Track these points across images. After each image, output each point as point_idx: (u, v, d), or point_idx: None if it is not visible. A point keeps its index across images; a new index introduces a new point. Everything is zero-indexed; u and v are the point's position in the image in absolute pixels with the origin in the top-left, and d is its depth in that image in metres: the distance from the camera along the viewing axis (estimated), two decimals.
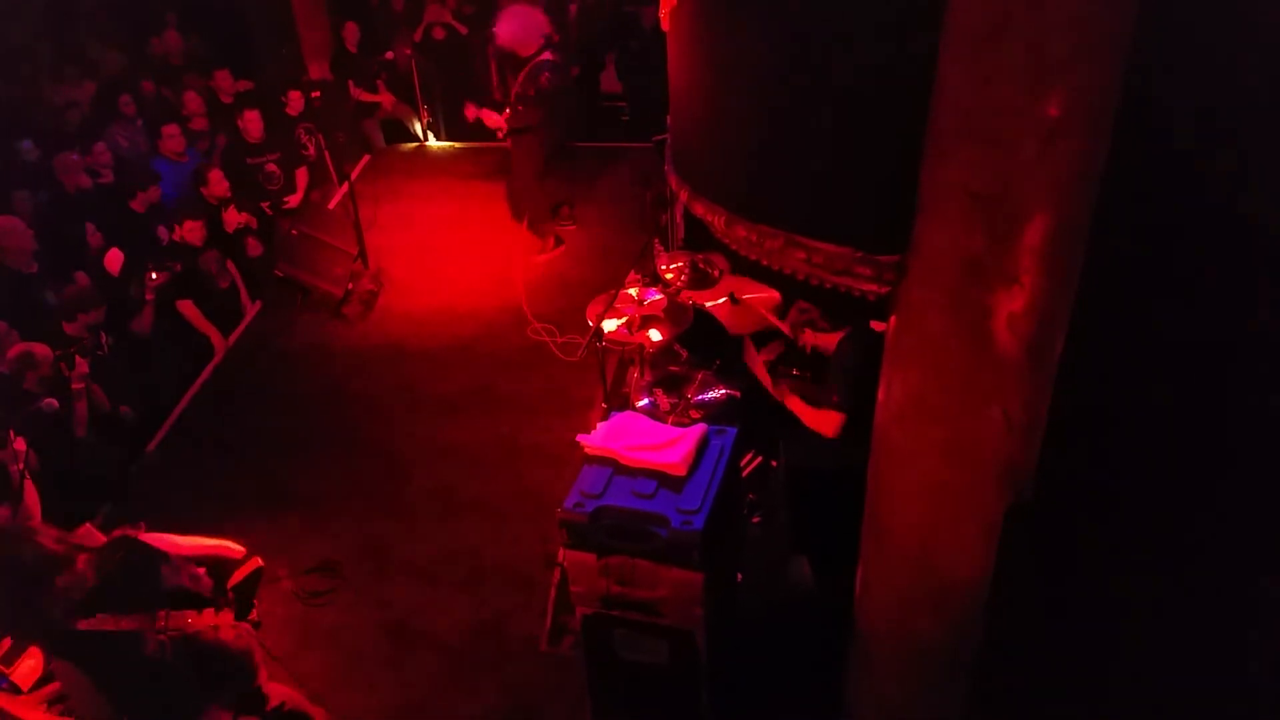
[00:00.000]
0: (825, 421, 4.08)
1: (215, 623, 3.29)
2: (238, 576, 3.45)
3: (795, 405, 4.29)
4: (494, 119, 7.66)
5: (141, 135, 7.90)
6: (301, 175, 8.00)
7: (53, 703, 3.33)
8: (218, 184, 7.11)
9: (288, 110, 8.00)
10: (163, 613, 3.14)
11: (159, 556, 3.23)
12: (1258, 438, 2.19)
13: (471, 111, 7.88)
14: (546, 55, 7.53)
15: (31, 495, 4.71)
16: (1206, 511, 2.27)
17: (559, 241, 7.87)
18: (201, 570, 3.36)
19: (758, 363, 4.69)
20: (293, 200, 7.88)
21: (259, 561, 3.52)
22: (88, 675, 3.10)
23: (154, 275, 6.22)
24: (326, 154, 8.37)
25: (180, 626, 3.17)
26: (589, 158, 9.12)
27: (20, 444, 4.62)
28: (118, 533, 3.28)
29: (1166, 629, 2.44)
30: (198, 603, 3.27)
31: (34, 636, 3.17)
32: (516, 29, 7.46)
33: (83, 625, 3.01)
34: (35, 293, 5.97)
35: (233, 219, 7.19)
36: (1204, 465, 2.22)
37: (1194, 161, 1.90)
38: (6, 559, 3.03)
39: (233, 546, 3.52)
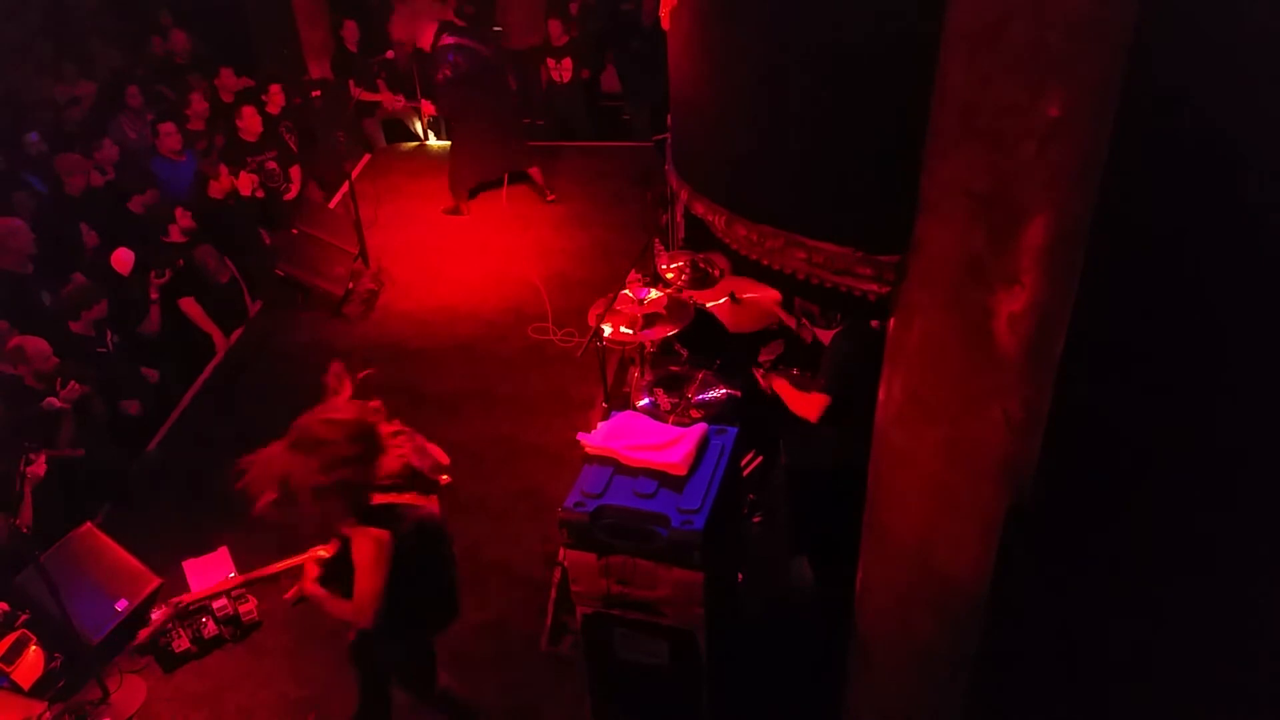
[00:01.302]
0: (809, 405, 4.08)
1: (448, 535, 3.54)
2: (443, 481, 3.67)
3: (781, 388, 4.28)
4: (430, 108, 8.69)
5: (149, 128, 7.90)
6: (295, 172, 8.04)
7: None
8: (225, 179, 7.14)
9: (268, 109, 8.02)
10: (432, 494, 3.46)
11: (425, 447, 3.59)
12: (1260, 438, 2.18)
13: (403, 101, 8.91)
14: (446, 40, 7.64)
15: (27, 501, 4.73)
16: (1208, 512, 2.26)
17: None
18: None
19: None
20: (289, 195, 7.92)
21: (449, 478, 3.74)
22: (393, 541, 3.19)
23: (157, 275, 6.24)
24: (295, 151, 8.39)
25: (435, 508, 3.46)
26: (589, 157, 9.12)
27: (40, 461, 4.65)
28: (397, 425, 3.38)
29: (1167, 630, 2.44)
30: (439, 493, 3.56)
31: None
32: (407, 24, 7.71)
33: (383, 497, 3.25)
34: (31, 293, 5.97)
35: (246, 182, 7.28)
36: (1206, 465, 2.22)
37: (1196, 160, 1.89)
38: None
39: (443, 454, 3.74)
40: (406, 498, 3.34)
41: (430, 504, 3.43)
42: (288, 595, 3.83)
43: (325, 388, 3.32)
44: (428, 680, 3.76)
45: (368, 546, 3.15)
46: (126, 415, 5.84)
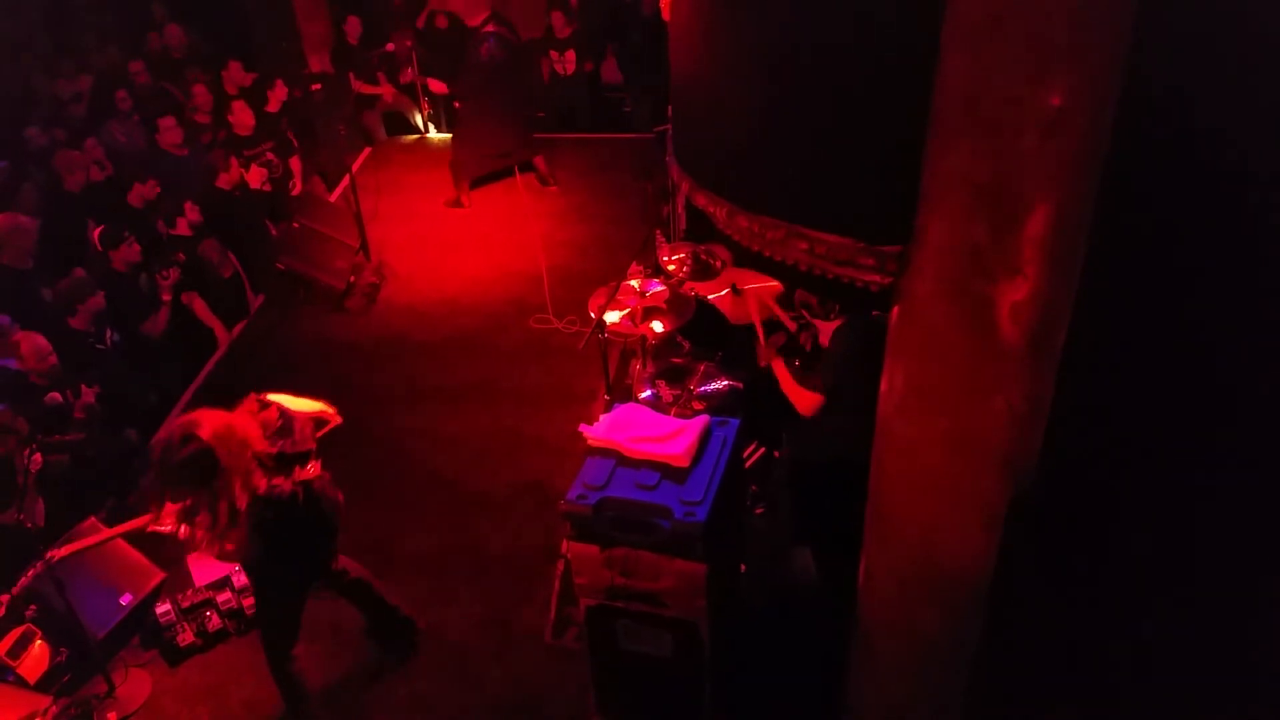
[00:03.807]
0: (803, 399, 4.09)
1: (318, 473, 3.75)
2: (322, 432, 3.89)
3: (779, 370, 4.27)
4: (438, 85, 8.64)
5: (139, 130, 7.91)
6: (295, 164, 8.04)
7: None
8: (234, 170, 7.14)
9: (268, 108, 8.05)
10: (295, 467, 3.63)
11: (294, 421, 3.71)
12: (1259, 429, 2.18)
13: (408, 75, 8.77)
14: (490, 28, 7.66)
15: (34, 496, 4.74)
16: (1208, 503, 2.27)
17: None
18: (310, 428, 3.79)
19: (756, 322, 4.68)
20: (295, 190, 7.94)
21: (339, 419, 3.97)
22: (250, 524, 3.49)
23: (166, 274, 6.23)
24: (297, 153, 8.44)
25: (304, 477, 3.66)
26: (591, 149, 9.10)
27: (37, 457, 4.66)
28: (253, 395, 3.70)
29: (1166, 621, 2.45)
30: (306, 457, 3.72)
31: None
32: None
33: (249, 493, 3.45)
34: (32, 288, 5.98)
35: (255, 175, 7.30)
36: (1205, 457, 2.22)
37: (1196, 151, 1.89)
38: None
39: (328, 409, 3.96)
40: (276, 483, 3.56)
41: (303, 473, 3.67)
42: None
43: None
44: (284, 630, 4.01)
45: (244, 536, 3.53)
46: (130, 411, 5.84)
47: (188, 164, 7.43)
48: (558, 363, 6.35)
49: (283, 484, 3.58)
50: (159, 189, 6.95)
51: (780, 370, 4.26)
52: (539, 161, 8.58)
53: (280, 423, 3.67)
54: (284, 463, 3.61)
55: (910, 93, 2.25)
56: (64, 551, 4.05)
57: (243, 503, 3.43)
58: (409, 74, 9.35)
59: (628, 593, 3.51)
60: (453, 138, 8.60)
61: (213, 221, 6.98)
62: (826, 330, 4.26)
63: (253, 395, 3.72)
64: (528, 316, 6.86)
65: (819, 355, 4.43)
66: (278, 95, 8.10)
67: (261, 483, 3.50)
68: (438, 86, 8.80)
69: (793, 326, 4.71)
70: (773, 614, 4.37)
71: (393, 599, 4.45)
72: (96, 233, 6.26)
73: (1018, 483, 2.41)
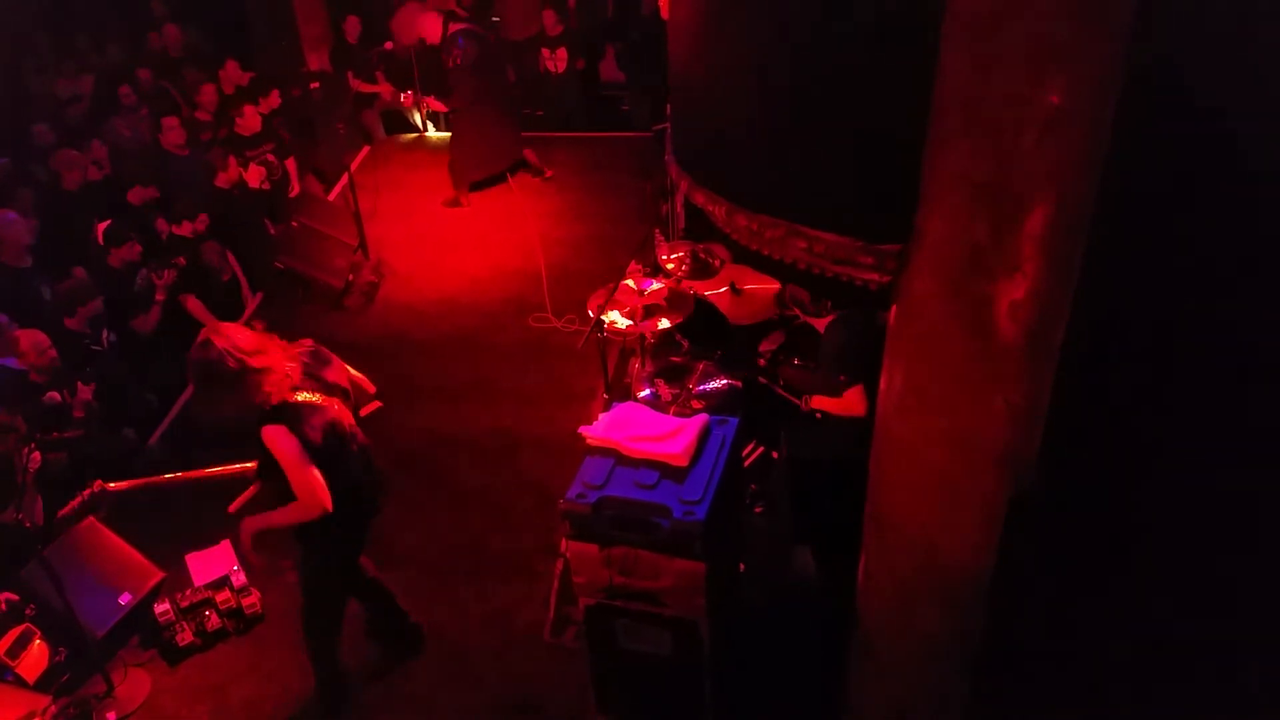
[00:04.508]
0: (851, 403, 4.07)
1: (362, 436, 3.75)
2: (366, 409, 3.89)
3: (821, 404, 4.26)
4: (437, 104, 8.53)
5: (145, 124, 7.89)
6: (291, 164, 8.05)
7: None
8: (233, 169, 7.14)
9: (261, 108, 8.04)
10: (336, 399, 3.63)
11: (335, 358, 3.75)
12: (1260, 428, 2.18)
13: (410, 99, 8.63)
14: (454, 26, 7.69)
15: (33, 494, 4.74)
16: (1209, 502, 2.26)
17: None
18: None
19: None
20: (293, 191, 7.93)
21: (380, 403, 4.01)
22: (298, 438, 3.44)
23: (161, 275, 6.22)
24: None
25: (348, 419, 3.67)
26: (589, 148, 9.10)
27: (36, 456, 4.66)
28: (307, 341, 3.73)
29: (1167, 622, 2.44)
30: (354, 410, 3.76)
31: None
32: (409, 25, 7.69)
33: (284, 397, 3.46)
34: (30, 287, 5.97)
35: (255, 174, 7.30)
36: (1207, 455, 2.22)
37: (1197, 149, 1.89)
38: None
39: (369, 383, 3.98)
40: (315, 400, 3.53)
41: (346, 414, 3.66)
42: (231, 507, 4.02)
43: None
44: (331, 616, 4.02)
45: (278, 438, 3.40)
46: (128, 411, 5.84)
47: (189, 164, 7.42)
48: (557, 362, 6.35)
49: (323, 402, 3.53)
50: (157, 193, 6.95)
51: (822, 403, 4.26)
52: (529, 155, 8.63)
53: (315, 346, 3.70)
54: (325, 387, 3.58)
55: (909, 91, 2.24)
56: (121, 486, 4.02)
57: (269, 395, 3.41)
58: (408, 98, 9.38)
59: (627, 592, 3.51)
60: (450, 142, 8.62)
61: (211, 221, 6.97)
62: (821, 326, 4.27)
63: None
64: (526, 315, 6.86)
65: (814, 352, 4.43)
66: (269, 103, 8.09)
67: (293, 382, 3.49)
68: (436, 105, 8.80)
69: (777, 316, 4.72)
70: (772, 613, 4.37)
71: (398, 603, 4.44)
72: (102, 227, 6.26)
73: (1017, 481, 2.40)
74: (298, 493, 3.44)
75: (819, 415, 4.32)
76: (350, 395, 3.73)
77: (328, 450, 3.50)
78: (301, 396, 3.49)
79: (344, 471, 3.59)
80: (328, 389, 3.60)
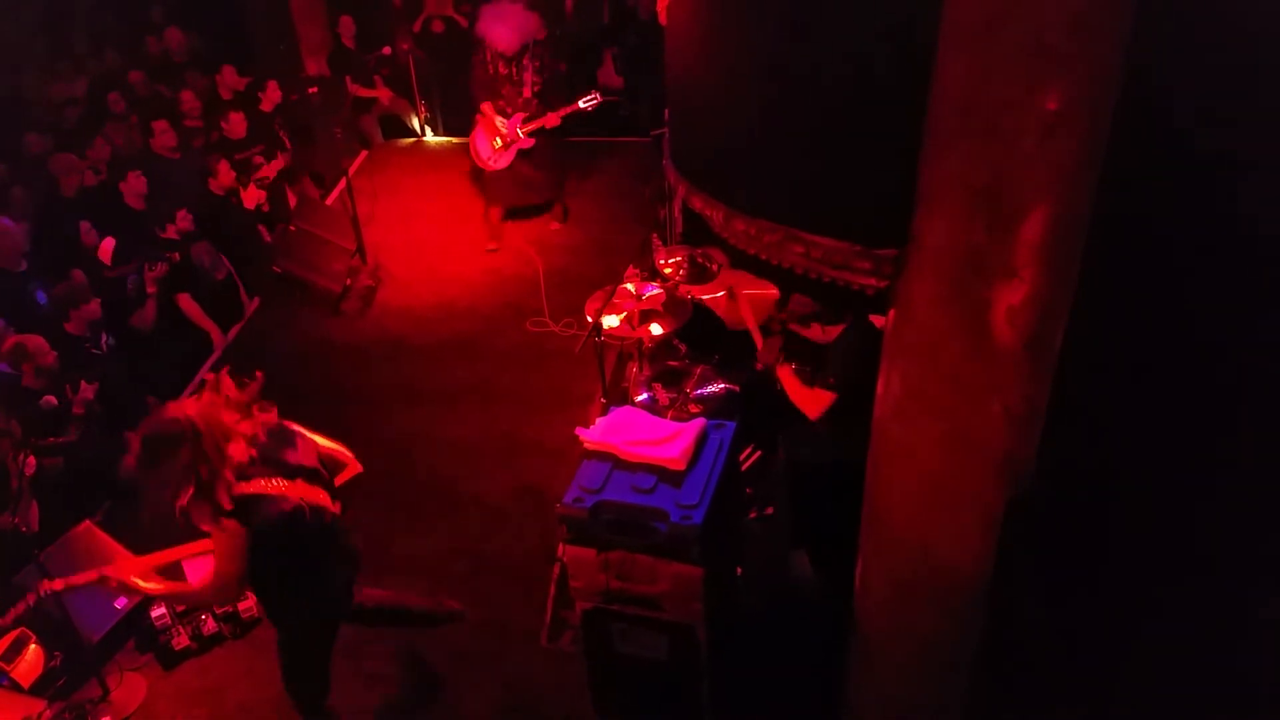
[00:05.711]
0: (813, 401, 4.03)
1: (335, 510, 3.61)
2: (342, 478, 3.77)
3: (785, 376, 4.22)
4: (553, 119, 7.49)
5: (136, 131, 7.89)
6: (279, 163, 8.02)
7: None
8: (225, 174, 7.13)
9: (262, 106, 8.00)
10: (300, 481, 3.46)
11: (300, 436, 3.59)
12: (1258, 429, 2.19)
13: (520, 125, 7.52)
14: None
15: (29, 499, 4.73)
16: (1206, 503, 2.27)
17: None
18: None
19: (753, 325, 4.64)
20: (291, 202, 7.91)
21: (360, 467, 3.86)
22: (248, 532, 3.33)
23: (152, 268, 6.22)
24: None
25: (314, 500, 3.48)
26: (587, 152, 9.10)
27: (31, 461, 4.64)
28: (271, 417, 3.68)
29: (1165, 624, 2.45)
30: (325, 486, 3.61)
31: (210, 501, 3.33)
32: (505, 28, 7.24)
33: (240, 488, 3.31)
34: (25, 291, 5.96)
35: (252, 196, 7.28)
36: (1204, 457, 2.22)
37: (1193, 154, 1.89)
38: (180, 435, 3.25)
39: (346, 451, 3.86)
40: (275, 488, 3.37)
41: (313, 494, 3.49)
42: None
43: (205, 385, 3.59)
44: (310, 678, 3.87)
45: (221, 540, 3.33)
46: (125, 414, 5.82)
47: (180, 168, 7.41)
48: (554, 366, 6.35)
49: (283, 489, 3.37)
50: (146, 188, 6.94)
51: (785, 374, 4.23)
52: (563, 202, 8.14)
53: (279, 425, 3.57)
54: (286, 472, 3.42)
55: (907, 96, 2.25)
56: (58, 585, 3.86)
57: (227, 486, 3.26)
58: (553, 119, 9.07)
59: (624, 596, 3.51)
60: (548, 168, 7.81)
61: (205, 225, 6.96)
62: (834, 333, 4.25)
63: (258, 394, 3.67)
64: (524, 319, 6.86)
65: (819, 352, 4.42)
66: (270, 97, 8.06)
67: (253, 478, 3.33)
68: (553, 121, 7.58)
69: (777, 326, 4.71)
70: (770, 617, 4.36)
71: (418, 603, 4.41)
72: (106, 244, 6.26)
73: (1015, 485, 2.41)
74: (212, 580, 3.39)
75: (771, 372, 4.30)
76: (320, 473, 3.60)
77: (302, 556, 3.48)
78: (254, 488, 3.34)
79: (302, 556, 3.52)
80: (289, 472, 3.44)
